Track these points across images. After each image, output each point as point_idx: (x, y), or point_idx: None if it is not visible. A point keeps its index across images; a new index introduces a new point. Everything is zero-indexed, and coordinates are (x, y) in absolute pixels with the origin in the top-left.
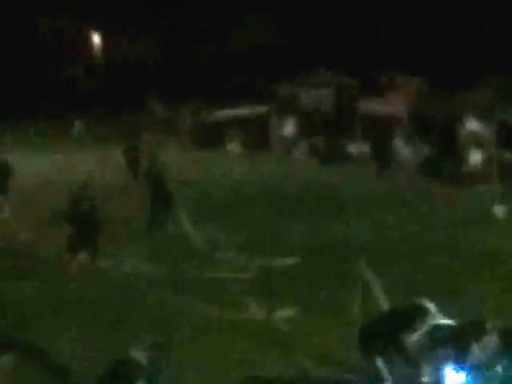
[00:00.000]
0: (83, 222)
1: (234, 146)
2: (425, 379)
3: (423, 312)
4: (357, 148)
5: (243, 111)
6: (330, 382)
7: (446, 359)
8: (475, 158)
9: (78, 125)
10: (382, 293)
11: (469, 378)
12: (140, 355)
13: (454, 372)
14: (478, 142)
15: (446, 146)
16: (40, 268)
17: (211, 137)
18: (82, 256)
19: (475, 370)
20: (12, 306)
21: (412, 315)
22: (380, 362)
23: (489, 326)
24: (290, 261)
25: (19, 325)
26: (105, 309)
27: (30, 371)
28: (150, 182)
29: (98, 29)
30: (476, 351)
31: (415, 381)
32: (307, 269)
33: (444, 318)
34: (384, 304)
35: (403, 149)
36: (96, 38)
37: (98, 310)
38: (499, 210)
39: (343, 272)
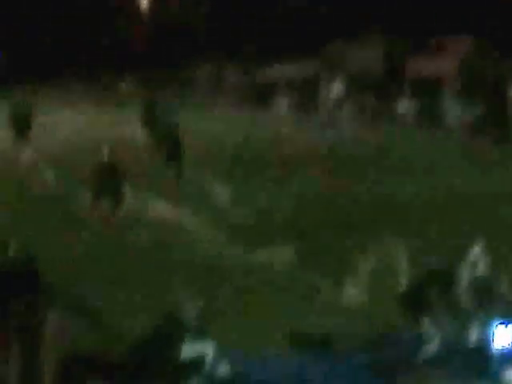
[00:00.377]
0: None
1: (281, 106)
2: (473, 336)
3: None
4: (405, 108)
5: (291, 71)
6: (379, 339)
7: (494, 314)
8: None
9: (125, 84)
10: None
11: None
12: (186, 312)
13: (503, 327)
14: None
15: (495, 107)
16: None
17: (259, 96)
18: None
19: None
20: (57, 260)
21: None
22: (428, 322)
23: None
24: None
25: (65, 281)
26: (148, 264)
27: (77, 327)
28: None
29: None
30: None
31: (463, 338)
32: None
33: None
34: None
35: (452, 109)
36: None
37: (141, 264)
38: None
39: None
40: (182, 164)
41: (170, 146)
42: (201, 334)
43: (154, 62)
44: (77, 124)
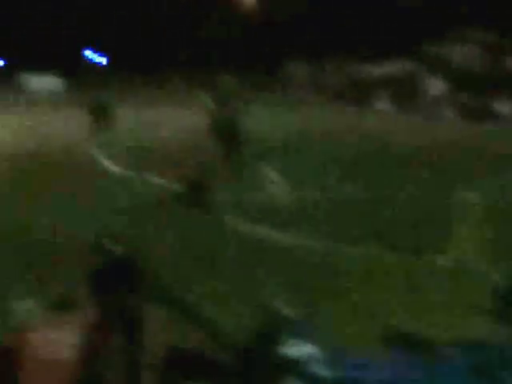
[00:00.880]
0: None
1: (381, 104)
2: None
3: None
4: (505, 107)
5: (391, 68)
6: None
7: None
8: None
9: (224, 82)
10: None
11: None
12: (287, 310)
13: None
14: None
15: None
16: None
17: (358, 93)
18: None
19: None
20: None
21: None
22: None
23: None
24: None
25: (165, 279)
26: (246, 262)
27: (180, 325)
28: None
29: None
30: None
31: None
32: None
33: None
34: None
35: None
36: None
37: (241, 263)
38: None
39: None
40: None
41: (230, 138)
42: (301, 334)
43: (251, 60)
44: (180, 122)
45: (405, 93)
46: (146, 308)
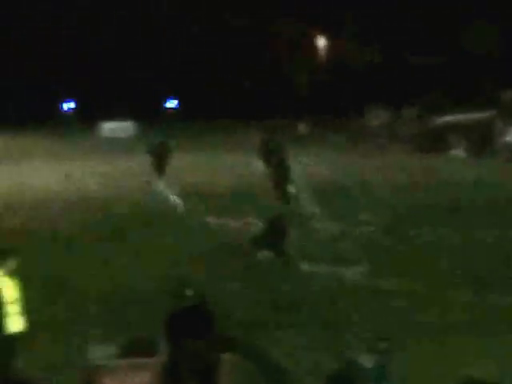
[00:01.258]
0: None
1: (457, 151)
2: None
3: None
4: None
5: (466, 117)
6: None
7: None
8: None
9: (301, 127)
10: None
11: None
12: (366, 359)
13: None
14: None
15: None
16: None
17: (434, 141)
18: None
19: None
20: (228, 306)
21: None
22: None
23: None
24: None
25: (239, 325)
26: (322, 310)
27: (251, 371)
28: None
29: (323, 35)
30: None
31: None
32: None
33: None
34: None
35: None
36: (321, 44)
37: (316, 311)
38: None
39: None
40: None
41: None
42: (380, 379)
43: (324, 106)
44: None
45: (480, 139)
46: (218, 352)
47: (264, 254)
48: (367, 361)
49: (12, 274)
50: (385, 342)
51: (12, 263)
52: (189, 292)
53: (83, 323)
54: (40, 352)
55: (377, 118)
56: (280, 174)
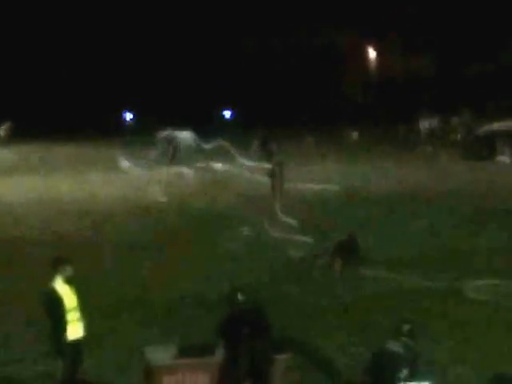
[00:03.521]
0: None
1: (503, 158)
2: None
3: None
4: None
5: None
6: None
7: None
8: None
9: (354, 135)
10: None
11: None
12: (395, 345)
13: None
14: None
15: None
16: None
17: (482, 148)
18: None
19: None
20: (283, 307)
21: None
22: None
23: None
24: None
25: (290, 325)
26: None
27: (305, 369)
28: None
29: (375, 47)
30: None
31: None
32: None
33: None
34: None
35: None
36: (372, 54)
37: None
38: None
39: None
40: None
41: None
42: (415, 364)
43: (377, 115)
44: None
45: None
46: (274, 353)
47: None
48: (395, 345)
49: (70, 281)
50: (408, 324)
51: (69, 271)
52: (241, 297)
53: (146, 327)
54: (104, 354)
55: (427, 125)
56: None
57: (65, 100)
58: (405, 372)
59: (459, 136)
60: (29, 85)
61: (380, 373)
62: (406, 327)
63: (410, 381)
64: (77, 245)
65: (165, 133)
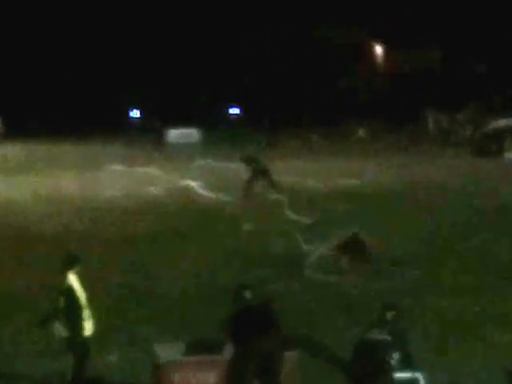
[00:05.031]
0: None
1: (510, 155)
2: None
3: None
4: None
5: None
6: None
7: None
8: None
9: (361, 132)
10: None
11: None
12: (379, 334)
13: None
14: None
15: None
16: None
17: (490, 145)
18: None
19: None
20: (293, 304)
21: None
22: None
23: None
24: None
25: (302, 322)
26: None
27: (314, 367)
28: None
29: (380, 42)
30: None
31: None
32: None
33: None
34: None
35: None
36: (379, 51)
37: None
38: None
39: None
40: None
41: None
42: (404, 347)
43: (384, 111)
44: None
45: None
46: (283, 350)
47: None
48: (379, 334)
49: (81, 278)
50: (391, 310)
51: (79, 267)
52: (248, 294)
53: (154, 323)
54: (114, 351)
55: (435, 122)
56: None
57: (69, 97)
58: (395, 357)
59: (467, 132)
60: (34, 82)
61: (367, 362)
62: (390, 314)
63: (404, 367)
64: (83, 240)
65: (171, 131)
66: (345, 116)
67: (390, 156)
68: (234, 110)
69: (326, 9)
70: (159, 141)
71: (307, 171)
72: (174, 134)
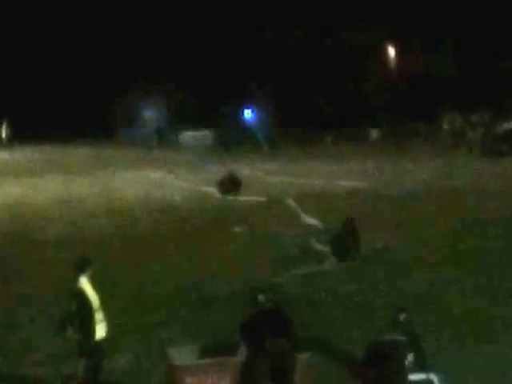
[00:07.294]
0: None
1: None
2: None
3: None
4: None
5: None
6: None
7: None
8: None
9: (373, 133)
10: None
11: None
12: (394, 335)
13: None
14: None
15: None
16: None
17: (501, 145)
18: None
19: None
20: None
21: None
22: None
23: None
24: None
25: (314, 325)
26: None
27: (327, 369)
28: None
29: (398, 47)
30: None
31: None
32: None
33: None
34: None
35: None
36: (391, 53)
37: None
38: None
39: None
40: None
41: None
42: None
43: (398, 114)
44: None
45: None
46: (295, 352)
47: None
48: (394, 335)
49: (92, 281)
50: (404, 313)
51: (91, 271)
52: (262, 297)
53: (166, 326)
54: (127, 354)
55: (450, 123)
56: None
57: (80, 100)
58: (410, 358)
59: (478, 134)
60: (42, 86)
61: (384, 364)
62: (403, 316)
63: (418, 368)
64: (97, 243)
65: (186, 133)
66: (359, 118)
67: (402, 157)
68: (249, 112)
69: (345, 10)
70: (160, 141)
71: (320, 173)
72: (188, 136)
